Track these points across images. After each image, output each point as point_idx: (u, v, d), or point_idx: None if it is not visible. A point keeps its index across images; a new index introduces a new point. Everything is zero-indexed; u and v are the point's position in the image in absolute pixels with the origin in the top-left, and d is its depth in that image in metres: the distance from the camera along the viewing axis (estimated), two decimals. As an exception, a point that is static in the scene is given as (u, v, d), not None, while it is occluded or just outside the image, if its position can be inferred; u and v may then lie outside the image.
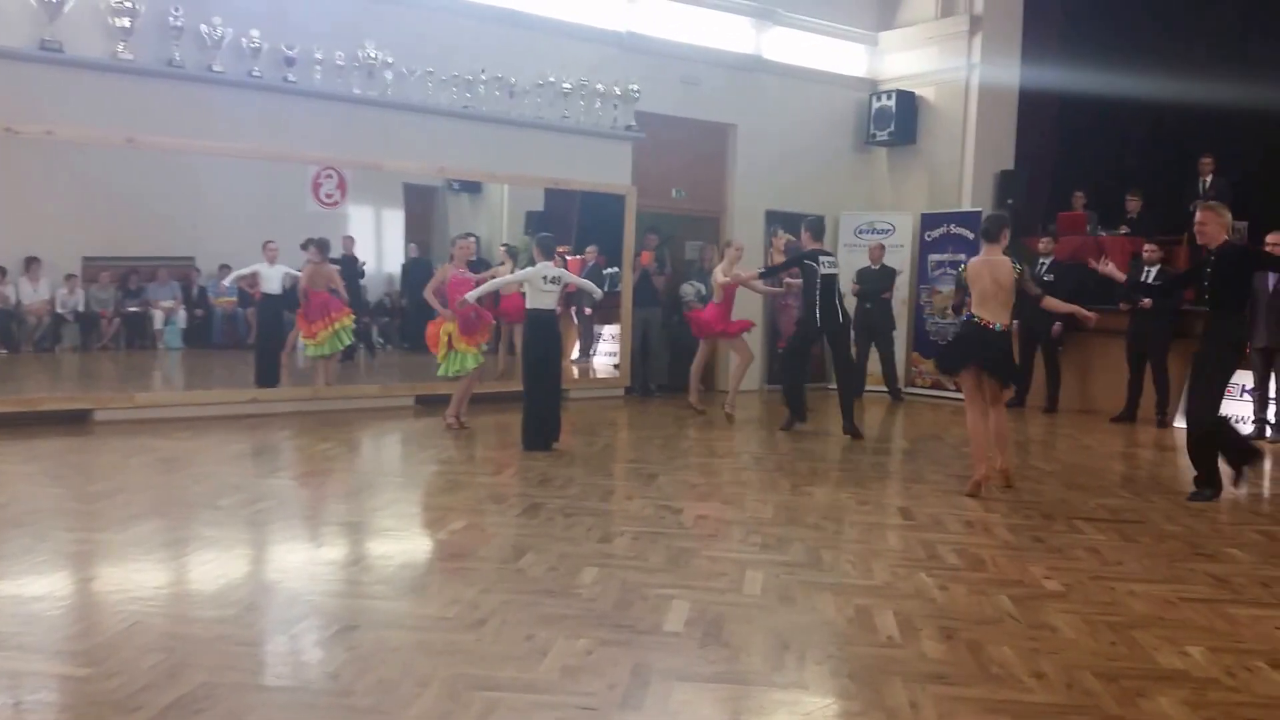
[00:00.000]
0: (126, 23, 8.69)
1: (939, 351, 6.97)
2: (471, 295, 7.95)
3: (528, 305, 7.78)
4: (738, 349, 9.78)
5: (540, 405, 7.71)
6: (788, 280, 9.83)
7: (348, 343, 9.99)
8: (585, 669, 3.36)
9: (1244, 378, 9.53)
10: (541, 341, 7.78)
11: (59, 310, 11.32)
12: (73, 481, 6.25)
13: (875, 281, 12.00)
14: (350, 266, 10.70)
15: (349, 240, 10.78)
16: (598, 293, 8.67)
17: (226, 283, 10.74)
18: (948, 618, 3.99)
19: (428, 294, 8.35)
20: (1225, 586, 4.55)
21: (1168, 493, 6.74)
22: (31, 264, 10.33)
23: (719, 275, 9.57)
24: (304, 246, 9.86)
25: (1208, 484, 6.44)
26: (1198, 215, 6.43)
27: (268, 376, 9.94)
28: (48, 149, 8.57)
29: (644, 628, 3.79)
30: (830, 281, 8.80)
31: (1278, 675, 3.49)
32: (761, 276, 9.75)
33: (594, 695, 3.16)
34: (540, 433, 7.69)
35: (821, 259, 8.80)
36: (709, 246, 12.28)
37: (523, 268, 8.47)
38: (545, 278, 7.64)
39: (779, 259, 9.90)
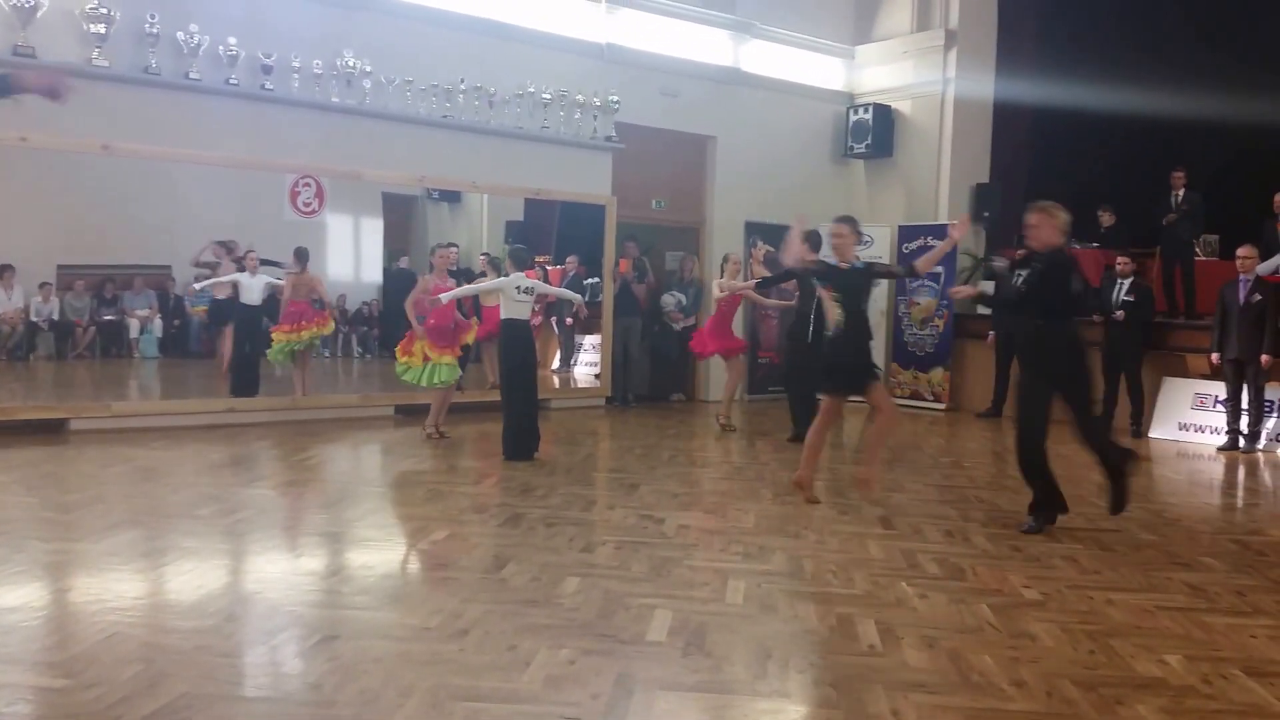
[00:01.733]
0: (101, 29, 8.62)
1: (825, 381, 6.52)
2: (446, 296, 8.06)
3: (502, 316, 7.88)
4: (731, 366, 9.87)
5: (519, 415, 7.75)
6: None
7: (313, 344, 9.88)
8: (568, 679, 3.36)
9: (1217, 389, 9.65)
10: (517, 352, 7.85)
11: (33, 318, 11.20)
12: (48, 491, 6.18)
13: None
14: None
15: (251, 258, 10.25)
16: (577, 299, 8.77)
17: (198, 287, 10.62)
18: (928, 626, 4.02)
19: (407, 305, 8.36)
20: (1201, 595, 4.60)
21: (1144, 502, 6.79)
22: (5, 271, 10.21)
23: (716, 291, 9.63)
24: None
25: (1042, 508, 5.90)
26: (1029, 216, 5.85)
27: (246, 386, 9.84)
28: (21, 156, 8.49)
29: (627, 637, 3.79)
30: None
31: (1253, 683, 3.53)
32: (757, 288, 9.80)
33: (577, 705, 3.16)
34: (520, 442, 7.70)
35: None
36: (689, 257, 12.32)
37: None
38: (518, 288, 7.76)
39: (758, 270, 9.93)
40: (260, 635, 3.75)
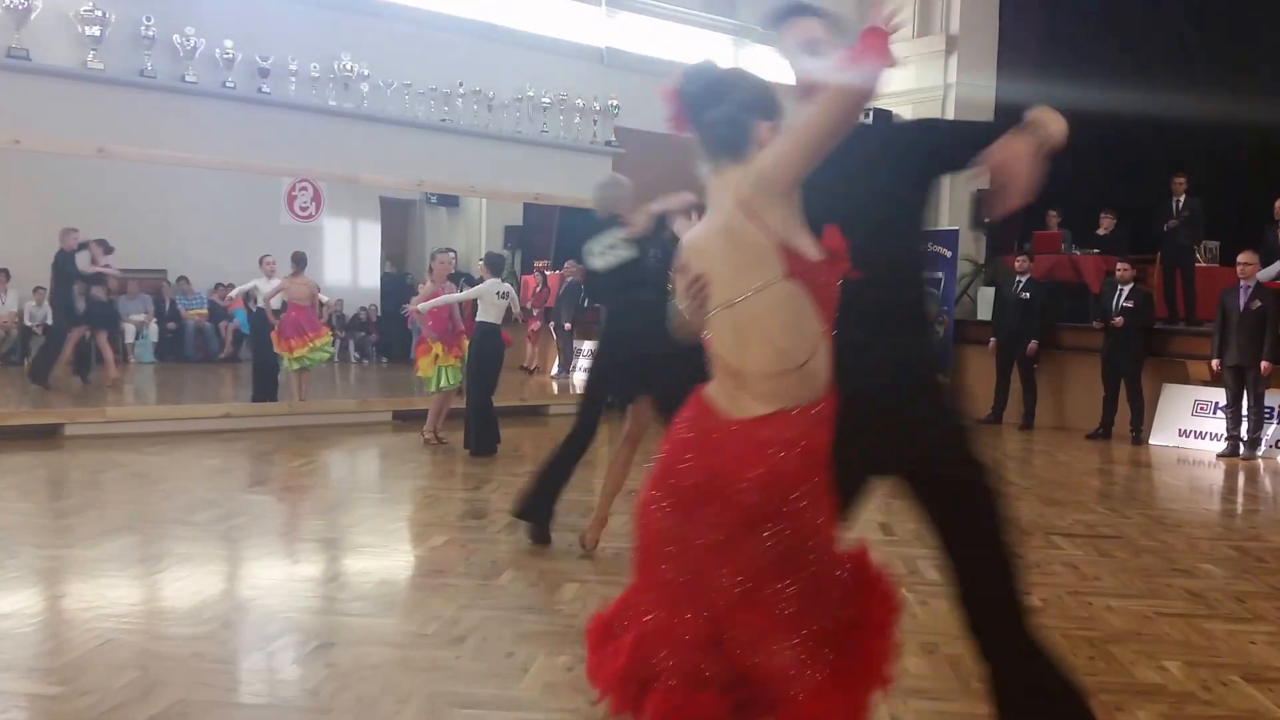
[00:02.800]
0: (96, 31, 8.60)
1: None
2: (424, 305, 8.26)
3: (478, 318, 8.16)
4: None
5: (480, 410, 8.03)
6: None
7: (326, 357, 9.85)
8: (566, 685, 3.33)
9: (1217, 395, 9.64)
10: (489, 350, 8.11)
11: (27, 323, 11.19)
12: (42, 497, 6.15)
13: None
14: (65, 265, 9.67)
15: (69, 234, 9.58)
16: (516, 307, 8.97)
17: (234, 294, 10.63)
18: (929, 633, 3.99)
19: (423, 310, 8.43)
20: (1200, 601, 4.57)
21: (1144, 508, 6.79)
22: None
23: None
24: None
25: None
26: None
27: (265, 391, 9.74)
28: (15, 159, 8.47)
29: (625, 644, 3.76)
30: None
31: (1253, 689, 3.50)
32: None
33: (576, 712, 3.14)
34: (484, 435, 8.00)
35: None
36: (687, 262, 12.30)
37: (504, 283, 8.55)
38: (498, 293, 8.05)
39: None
40: (256, 642, 3.72)
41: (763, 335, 1.98)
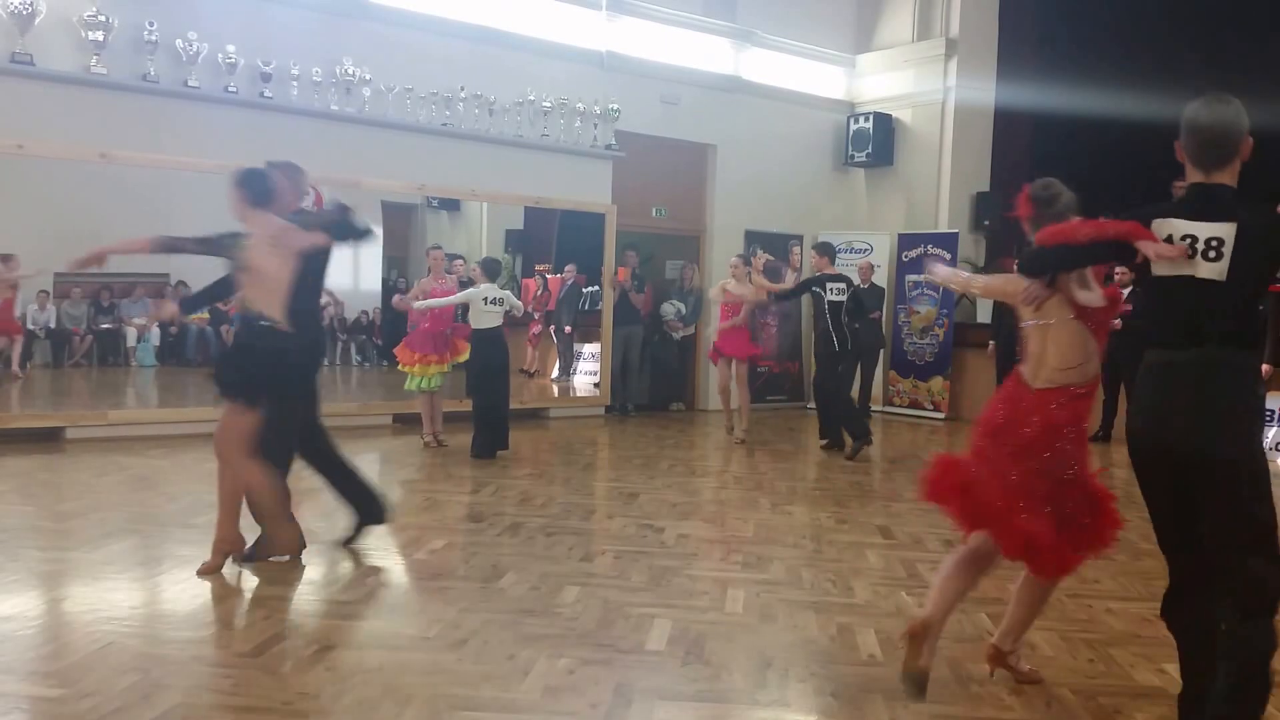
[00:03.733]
0: (99, 36, 8.61)
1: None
2: (419, 304, 8.29)
3: (472, 326, 8.18)
4: (740, 377, 9.80)
5: (484, 416, 8.13)
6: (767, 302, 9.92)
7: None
8: (567, 688, 3.35)
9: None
10: (484, 358, 8.16)
11: (30, 326, 11.21)
12: (44, 500, 6.16)
13: (867, 300, 12.01)
14: None
15: None
16: (519, 310, 8.91)
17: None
18: (928, 636, 3.99)
19: (419, 308, 8.43)
20: (1201, 604, 4.57)
21: (1144, 511, 6.76)
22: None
23: (716, 294, 9.66)
24: None
25: None
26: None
27: None
28: (18, 163, 8.48)
29: (626, 647, 3.77)
30: (838, 307, 8.88)
31: (1255, 692, 3.51)
32: (777, 300, 9.80)
33: (576, 715, 3.15)
34: (483, 440, 8.10)
35: (829, 285, 8.90)
36: (689, 266, 12.31)
37: (502, 287, 8.55)
38: (486, 299, 8.04)
39: (758, 279, 9.91)
40: (257, 645, 3.72)
41: (1056, 347, 3.31)
